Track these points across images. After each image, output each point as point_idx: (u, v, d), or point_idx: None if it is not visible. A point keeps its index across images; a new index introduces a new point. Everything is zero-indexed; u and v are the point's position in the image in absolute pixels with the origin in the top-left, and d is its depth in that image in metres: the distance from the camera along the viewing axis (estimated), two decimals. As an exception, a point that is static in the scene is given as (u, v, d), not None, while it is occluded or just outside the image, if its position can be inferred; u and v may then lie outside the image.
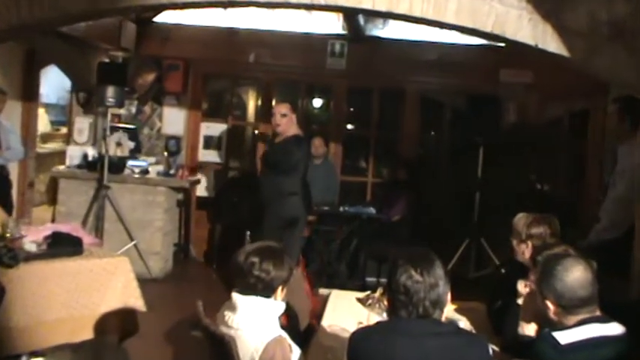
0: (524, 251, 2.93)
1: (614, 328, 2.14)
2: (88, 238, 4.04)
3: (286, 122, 5.06)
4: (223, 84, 7.59)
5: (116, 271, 3.73)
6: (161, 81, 6.94)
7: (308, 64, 6.87)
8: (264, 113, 7.02)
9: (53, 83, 8.30)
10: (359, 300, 3.29)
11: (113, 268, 3.72)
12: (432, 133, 7.48)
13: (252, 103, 8.32)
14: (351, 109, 7.44)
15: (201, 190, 7.14)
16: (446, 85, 6.93)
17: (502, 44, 3.58)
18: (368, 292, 3.30)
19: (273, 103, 7.06)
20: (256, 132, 7.34)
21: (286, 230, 4.94)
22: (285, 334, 2.35)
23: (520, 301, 2.63)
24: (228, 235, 6.59)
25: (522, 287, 2.68)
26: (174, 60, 6.88)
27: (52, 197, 6.81)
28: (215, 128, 7.19)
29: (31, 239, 3.60)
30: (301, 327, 3.05)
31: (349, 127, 7.52)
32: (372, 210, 6.19)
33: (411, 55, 6.68)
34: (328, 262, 6.01)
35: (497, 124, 6.62)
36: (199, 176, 7.03)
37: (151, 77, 6.89)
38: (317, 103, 8.49)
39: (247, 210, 6.34)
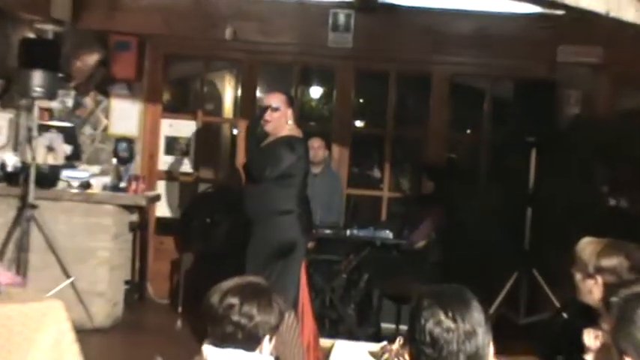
0: (593, 289, 2.94)
1: None
2: (5, 276, 4.01)
3: (278, 118, 5.06)
4: (191, 68, 7.69)
5: (44, 320, 3.70)
6: (107, 64, 6.95)
7: (303, 41, 6.93)
8: (246, 107, 7.13)
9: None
10: (372, 354, 3.30)
11: (40, 316, 3.69)
12: (468, 131, 7.54)
13: (229, 94, 8.36)
14: (361, 101, 7.60)
15: (162, 209, 7.22)
16: (485, 67, 7.02)
17: (561, 12, 3.56)
18: (384, 344, 3.30)
19: (258, 93, 7.07)
20: (235, 131, 7.43)
21: (277, 261, 4.92)
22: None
23: (589, 358, 2.65)
24: (199, 269, 6.64)
25: (591, 338, 2.67)
26: (124, 36, 6.87)
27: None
28: (181, 127, 7.28)
29: None
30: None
31: (358, 124, 7.63)
32: (388, 234, 6.22)
33: (438, 28, 6.76)
34: (331, 303, 6.04)
35: (554, 118, 6.62)
36: (160, 191, 7.11)
37: (93, 59, 6.88)
38: (315, 92, 8.52)
39: (225, 235, 6.40)
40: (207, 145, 7.43)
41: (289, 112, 5.11)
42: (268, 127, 5.10)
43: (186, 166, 7.32)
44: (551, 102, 6.58)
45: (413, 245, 6.33)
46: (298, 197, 5.07)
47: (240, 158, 6.93)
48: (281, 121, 5.07)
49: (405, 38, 6.81)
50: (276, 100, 5.10)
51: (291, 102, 5.18)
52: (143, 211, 6.81)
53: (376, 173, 7.64)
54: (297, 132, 5.14)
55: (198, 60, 7.45)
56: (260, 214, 5.00)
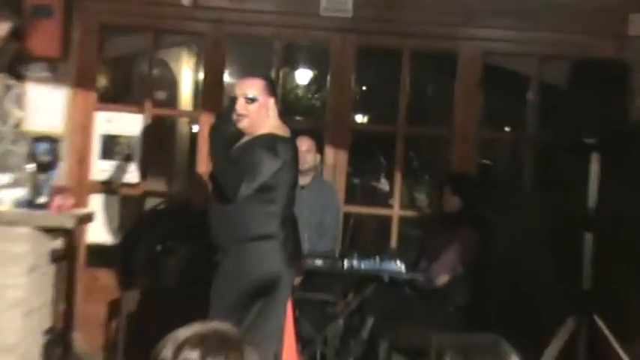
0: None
1: None
2: None
3: (256, 112, 5.09)
4: (135, 44, 7.69)
5: None
6: (21, 37, 6.91)
7: (287, 7, 7.03)
8: (211, 96, 7.20)
9: None
10: None
11: None
12: (506, 128, 7.54)
13: (187, 78, 8.41)
14: (363, 88, 7.59)
15: (96, 233, 7.22)
16: (530, 43, 7.06)
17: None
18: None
19: (226, 77, 7.10)
20: (195, 128, 7.50)
21: (253, 302, 4.94)
22: None
23: None
24: (146, 312, 6.62)
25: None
26: (44, 0, 6.85)
27: None
28: (122, 122, 7.28)
29: None
30: None
31: (359, 119, 7.60)
32: (399, 266, 6.27)
33: (466, -7, 6.91)
34: (323, 359, 6.11)
35: (622, 112, 6.49)
36: (93, 208, 7.08)
37: (1, 31, 6.80)
38: (302, 76, 8.48)
39: (181, 266, 6.48)
40: (158, 146, 7.43)
41: (270, 102, 5.13)
42: (243, 124, 5.11)
43: (130, 175, 7.31)
44: (619, 91, 6.47)
45: (432, 281, 6.37)
46: (282, 217, 5.07)
47: (202, 164, 6.98)
48: (259, 116, 5.10)
49: (423, 4, 6.91)
50: (252, 87, 5.11)
51: (272, 89, 5.21)
52: (70, 236, 6.74)
53: (383, 185, 7.75)
54: (281, 129, 5.14)
55: (145, 32, 7.39)
56: (230, 239, 5.02)
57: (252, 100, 5.06)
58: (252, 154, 4.94)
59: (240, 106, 5.04)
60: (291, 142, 5.17)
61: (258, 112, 5.07)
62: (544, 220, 6.87)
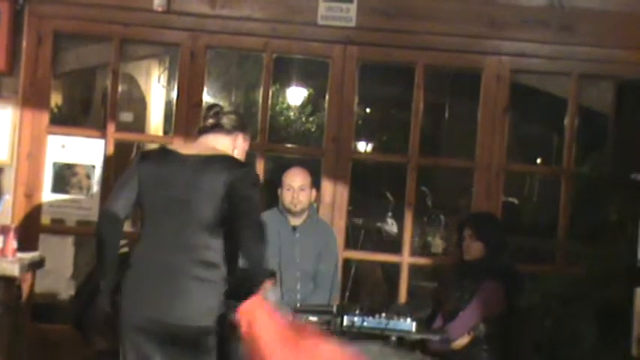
0: None
1: None
2: None
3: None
4: (97, 55, 7.50)
5: None
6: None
7: (278, 14, 6.97)
8: (186, 118, 7.04)
9: None
10: None
11: None
12: (538, 160, 7.19)
13: (158, 97, 8.29)
14: (367, 110, 7.18)
15: (47, 282, 7.08)
16: (566, 60, 6.93)
17: None
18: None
19: (205, 96, 7.00)
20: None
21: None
22: None
23: None
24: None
25: None
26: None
27: None
28: (80, 148, 7.12)
29: None
30: None
31: (363, 147, 7.17)
32: (409, 324, 5.98)
33: (491, -1, 7.00)
34: None
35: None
36: (44, 251, 6.86)
37: None
38: (296, 96, 8.16)
39: None
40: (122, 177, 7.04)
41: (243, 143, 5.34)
42: None
43: (89, 212, 7.09)
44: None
45: (449, 343, 6.19)
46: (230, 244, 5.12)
47: None
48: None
49: (440, 12, 6.86)
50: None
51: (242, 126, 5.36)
52: (14, 286, 6.43)
53: (391, 227, 7.54)
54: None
55: (108, 41, 7.22)
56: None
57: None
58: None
59: None
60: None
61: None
62: (585, 270, 6.58)
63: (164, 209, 5.09)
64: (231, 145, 5.20)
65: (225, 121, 5.22)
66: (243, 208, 4.93)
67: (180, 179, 5.08)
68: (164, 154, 5.24)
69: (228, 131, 5.19)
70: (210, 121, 5.19)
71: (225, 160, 5.13)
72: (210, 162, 5.08)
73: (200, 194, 5.02)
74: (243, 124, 5.30)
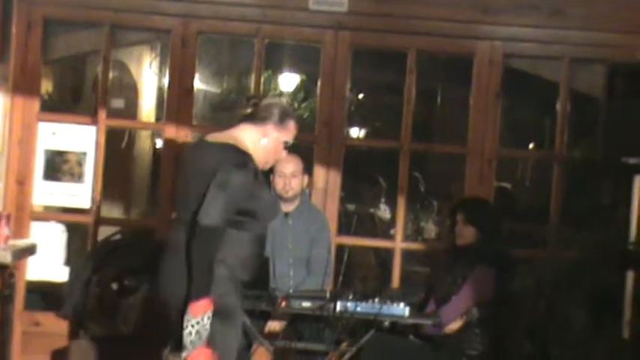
0: None
1: None
2: None
3: None
4: (87, 41, 7.50)
5: None
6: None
7: (271, 1, 7.03)
8: (178, 104, 7.10)
9: None
10: None
11: None
12: (530, 145, 7.33)
13: (150, 83, 8.40)
14: (360, 96, 7.28)
15: (38, 269, 7.09)
16: (558, 44, 6.99)
17: None
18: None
19: (196, 82, 7.08)
20: (159, 143, 7.72)
21: None
22: None
23: None
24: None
25: None
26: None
27: None
28: (71, 135, 7.15)
29: None
30: None
31: (355, 132, 7.29)
32: (402, 308, 6.10)
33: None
34: None
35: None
36: (35, 239, 6.91)
37: None
38: (288, 82, 8.24)
39: (141, 308, 6.33)
40: (114, 164, 7.36)
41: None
42: None
43: (80, 199, 7.14)
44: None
45: (442, 327, 6.25)
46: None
47: (166, 186, 6.95)
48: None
49: None
50: None
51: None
52: (6, 273, 6.46)
53: (384, 212, 7.58)
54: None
55: (99, 27, 7.23)
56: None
57: None
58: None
59: None
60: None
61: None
62: (576, 254, 6.61)
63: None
64: (258, 135, 5.13)
65: (257, 110, 5.18)
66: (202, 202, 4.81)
67: (190, 168, 5.13)
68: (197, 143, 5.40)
69: (258, 121, 5.14)
70: (246, 110, 5.20)
71: (223, 150, 5.02)
72: (208, 149, 5.04)
73: (191, 185, 4.98)
74: (275, 114, 5.20)
